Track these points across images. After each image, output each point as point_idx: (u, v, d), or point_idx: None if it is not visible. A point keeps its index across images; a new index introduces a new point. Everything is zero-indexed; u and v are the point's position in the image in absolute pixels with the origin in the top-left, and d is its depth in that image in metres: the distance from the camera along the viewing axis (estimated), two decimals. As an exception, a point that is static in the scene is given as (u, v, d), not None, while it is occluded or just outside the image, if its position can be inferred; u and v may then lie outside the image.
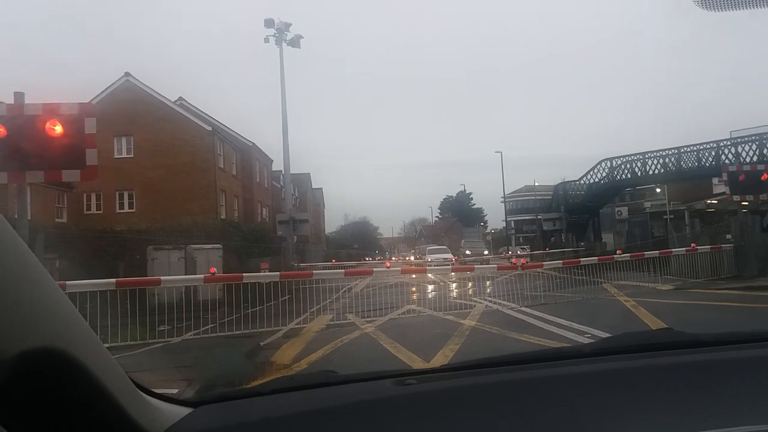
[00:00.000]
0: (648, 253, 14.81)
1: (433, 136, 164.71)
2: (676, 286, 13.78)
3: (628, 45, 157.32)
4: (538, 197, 49.13)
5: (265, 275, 11.70)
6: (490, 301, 12.51)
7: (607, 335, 2.29)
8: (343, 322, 10.39)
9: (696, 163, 26.89)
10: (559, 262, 14.95)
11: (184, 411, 1.25)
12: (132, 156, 26.92)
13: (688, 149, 27.21)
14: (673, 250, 16.10)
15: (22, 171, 7.08)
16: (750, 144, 25.08)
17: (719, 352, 1.51)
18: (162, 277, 10.77)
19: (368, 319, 10.49)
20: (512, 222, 57.30)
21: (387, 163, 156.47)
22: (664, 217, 33.02)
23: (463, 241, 52.42)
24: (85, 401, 0.87)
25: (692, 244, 15.75)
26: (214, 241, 16.26)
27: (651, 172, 28.92)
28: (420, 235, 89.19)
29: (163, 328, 9.43)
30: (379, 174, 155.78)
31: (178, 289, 11.01)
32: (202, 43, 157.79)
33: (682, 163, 27.58)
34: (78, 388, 0.85)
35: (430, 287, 16.80)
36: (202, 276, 10.63)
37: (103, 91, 26.99)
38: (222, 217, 26.62)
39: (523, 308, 11.07)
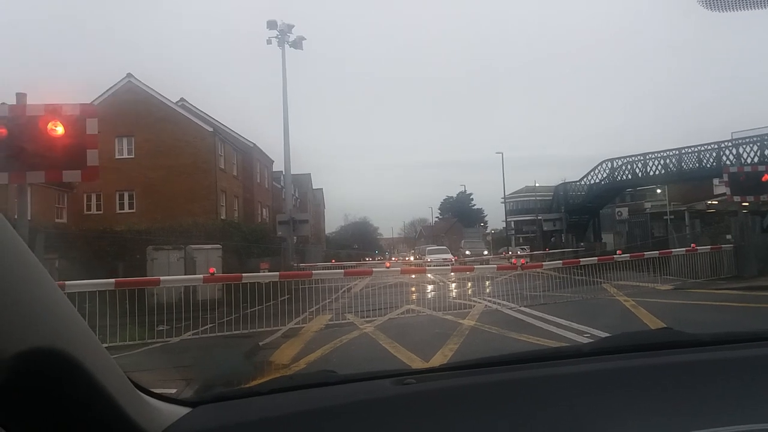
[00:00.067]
0: (648, 254, 14.81)
1: (433, 136, 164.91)
2: (675, 286, 13.78)
3: (628, 45, 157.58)
4: (538, 198, 49.14)
5: (265, 275, 11.70)
6: (489, 301, 12.51)
7: (607, 335, 2.29)
8: (343, 321, 10.39)
9: (697, 164, 26.88)
10: (558, 263, 14.95)
11: (183, 411, 1.25)
12: (133, 157, 26.93)
13: (689, 150, 27.20)
14: (673, 250, 16.10)
15: (23, 171, 7.09)
16: (751, 145, 25.06)
17: (718, 351, 1.51)
18: (161, 277, 10.77)
19: (367, 318, 10.49)
20: (512, 222, 57.35)
21: (387, 163, 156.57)
22: (665, 217, 33.01)
23: (463, 241, 52.40)
24: (84, 401, 0.87)
25: (692, 245, 15.76)
26: (214, 241, 16.26)
27: (652, 173, 28.90)
28: (420, 236, 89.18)
29: (162, 328, 9.42)
30: (379, 174, 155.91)
31: (178, 289, 11.01)
32: (203, 44, 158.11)
33: (682, 163, 27.56)
34: (77, 388, 0.85)
35: (430, 287, 16.80)
36: (201, 276, 10.63)
37: (104, 92, 27.02)
38: (222, 217, 26.62)
39: (523, 308, 11.07)
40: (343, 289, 14.25)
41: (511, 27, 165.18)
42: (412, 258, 50.58)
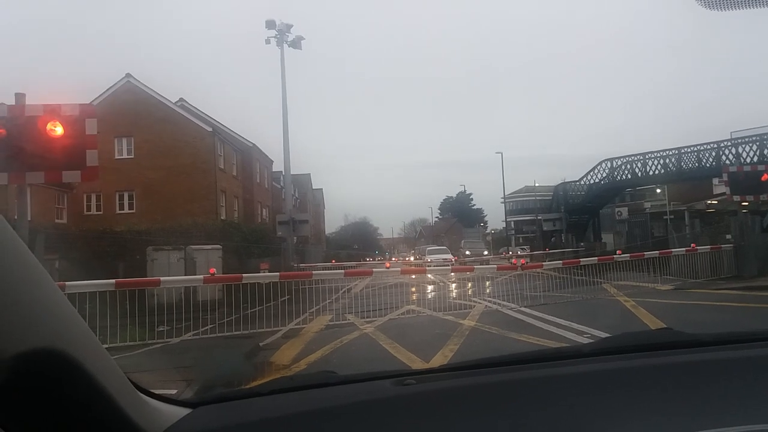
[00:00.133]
0: (648, 254, 14.81)
1: (433, 136, 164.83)
2: (675, 286, 13.79)
3: (628, 45, 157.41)
4: (538, 198, 49.13)
5: (265, 276, 11.70)
6: (489, 302, 12.51)
7: (607, 335, 2.29)
8: (343, 322, 10.39)
9: (696, 164, 26.89)
10: (558, 263, 14.96)
11: (183, 411, 1.25)
12: (132, 157, 26.92)
13: (689, 150, 27.21)
14: (672, 250, 16.11)
15: (23, 172, 7.08)
16: (750, 144, 25.07)
17: (719, 352, 1.51)
18: (161, 278, 10.77)
19: (368, 319, 10.49)
20: (512, 222, 57.36)
21: (387, 163, 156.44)
22: (664, 217, 33.02)
23: (463, 241, 52.41)
24: (84, 402, 0.87)
25: (692, 245, 15.76)
26: (214, 241, 16.26)
27: (651, 173, 28.91)
28: (420, 236, 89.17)
29: (162, 329, 9.42)
30: (379, 174, 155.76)
31: (178, 289, 11.01)
32: (202, 44, 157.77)
33: (682, 163, 27.57)
34: (77, 389, 0.85)
35: (430, 287, 16.80)
36: (201, 276, 10.63)
37: (104, 92, 27.01)
38: (222, 217, 26.62)
39: (523, 308, 11.07)
40: (344, 290, 14.25)
41: (511, 27, 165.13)
42: (412, 258, 50.60)
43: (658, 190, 37.46)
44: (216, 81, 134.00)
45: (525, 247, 47.11)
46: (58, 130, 7.00)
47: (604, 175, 30.98)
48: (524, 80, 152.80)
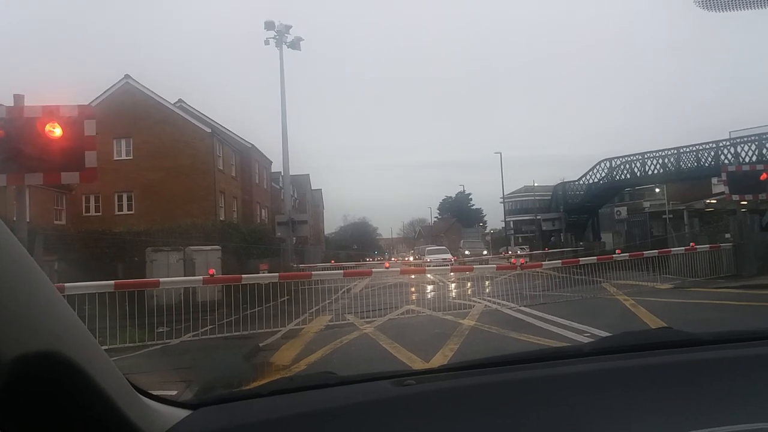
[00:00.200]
0: (647, 253, 14.83)
1: (432, 136, 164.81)
2: (675, 285, 13.80)
3: (628, 45, 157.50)
4: (537, 197, 49.15)
5: (264, 276, 11.70)
6: (489, 301, 12.51)
7: (607, 334, 2.29)
8: (343, 322, 10.39)
9: (695, 163, 26.92)
10: (558, 262, 14.96)
11: (183, 413, 1.25)
12: (131, 158, 26.92)
13: (688, 149, 27.24)
14: (672, 249, 16.12)
15: (21, 173, 7.08)
16: (749, 144, 25.10)
17: (718, 351, 1.51)
18: (161, 279, 10.75)
19: (367, 319, 10.49)
20: (511, 222, 57.32)
21: (386, 163, 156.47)
22: (663, 216, 33.04)
23: (462, 241, 52.44)
24: (83, 404, 0.87)
25: (691, 244, 15.77)
26: (213, 242, 16.25)
27: (650, 172, 28.94)
28: (419, 236, 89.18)
29: (161, 330, 9.41)
30: (378, 174, 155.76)
31: (177, 290, 11.00)
32: (201, 45, 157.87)
33: (681, 163, 27.60)
34: (76, 391, 0.85)
35: (429, 287, 16.80)
36: (201, 277, 10.62)
37: (102, 93, 27.00)
38: (221, 218, 26.62)
39: (523, 308, 11.07)
40: (343, 290, 14.25)
41: (511, 27, 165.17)
42: (411, 258, 50.61)
43: (657, 190, 37.49)
44: (215, 81, 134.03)
45: (524, 246, 47.11)
46: (57, 131, 6.99)
47: (603, 174, 31.01)
48: (524, 80, 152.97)
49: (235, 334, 9.45)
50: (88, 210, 26.63)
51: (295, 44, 23.72)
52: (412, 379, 1.40)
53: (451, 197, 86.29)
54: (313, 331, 9.53)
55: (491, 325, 9.17)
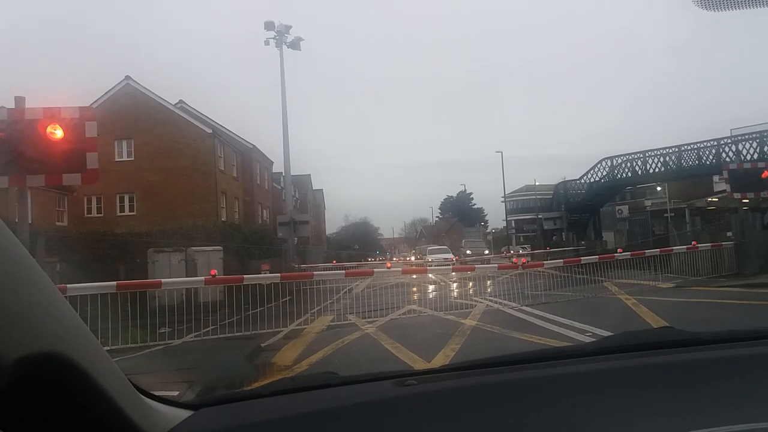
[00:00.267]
0: (649, 252, 14.81)
1: (433, 136, 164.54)
2: (676, 284, 13.79)
3: (628, 45, 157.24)
4: (538, 197, 49.10)
5: (266, 277, 11.70)
6: (491, 301, 12.52)
7: (609, 334, 2.29)
8: (344, 322, 10.39)
9: (696, 161, 26.90)
10: (559, 261, 14.95)
11: (185, 414, 1.25)
12: (132, 159, 26.93)
13: (689, 147, 27.22)
14: (673, 248, 16.10)
15: (23, 175, 7.09)
16: (750, 142, 25.09)
17: (720, 350, 1.51)
18: (163, 280, 10.77)
19: (369, 319, 10.49)
20: (513, 221, 57.29)
21: (387, 163, 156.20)
22: (665, 215, 33.01)
23: (463, 241, 52.45)
24: (85, 404, 0.87)
25: (693, 242, 15.75)
26: (214, 243, 16.27)
27: (651, 171, 28.93)
28: (421, 236, 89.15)
29: (163, 331, 9.42)
30: (379, 174, 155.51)
31: (179, 291, 11.02)
32: (201, 46, 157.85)
33: (682, 161, 27.59)
34: (78, 392, 0.85)
35: (431, 287, 16.80)
36: (202, 278, 10.63)
37: (103, 95, 27.02)
38: (222, 219, 26.63)
39: (524, 307, 11.07)
40: (345, 290, 14.26)
41: (511, 27, 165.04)
42: (413, 258, 50.60)
43: (659, 188, 37.46)
44: (215, 82, 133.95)
45: (526, 246, 47.08)
46: (58, 133, 7.00)
47: (605, 173, 31.01)
48: (524, 80, 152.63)
49: (237, 334, 9.45)
50: (89, 211, 26.66)
51: (295, 44, 23.74)
52: (414, 379, 1.40)
53: (452, 197, 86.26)
54: (315, 332, 9.54)
55: (493, 324, 9.17)
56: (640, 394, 1.26)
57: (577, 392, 1.29)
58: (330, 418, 1.22)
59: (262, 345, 8.61)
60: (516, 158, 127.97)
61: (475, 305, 11.86)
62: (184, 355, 8.11)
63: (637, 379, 1.33)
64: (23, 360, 0.75)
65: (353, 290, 14.48)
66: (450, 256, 35.03)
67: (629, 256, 14.32)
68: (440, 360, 6.48)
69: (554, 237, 36.95)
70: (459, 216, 79.47)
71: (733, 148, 25.59)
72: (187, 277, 13.02)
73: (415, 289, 15.76)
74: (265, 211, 37.04)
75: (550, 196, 40.47)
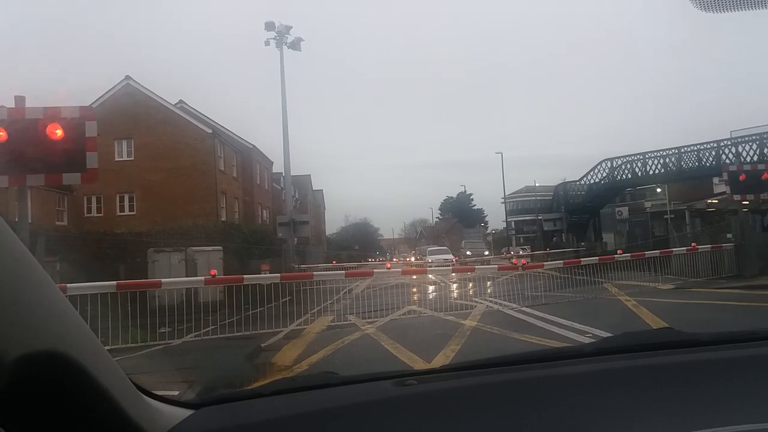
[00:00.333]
0: (649, 253, 14.82)
1: (433, 136, 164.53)
2: (676, 285, 13.79)
3: (628, 45, 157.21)
4: (538, 198, 49.15)
5: (266, 277, 11.70)
6: (490, 302, 12.51)
7: (608, 335, 2.29)
8: (344, 323, 10.39)
9: (696, 163, 26.90)
10: (559, 262, 14.95)
11: (185, 413, 1.25)
12: (132, 159, 26.94)
13: (689, 149, 27.22)
14: (673, 249, 16.11)
15: (23, 174, 7.10)
16: (750, 144, 25.09)
17: (719, 351, 1.52)
18: (163, 280, 10.77)
19: (369, 320, 10.49)
20: (513, 222, 57.36)
21: (387, 163, 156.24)
22: (665, 216, 33.02)
23: (463, 241, 52.45)
24: (86, 404, 0.87)
25: (693, 244, 15.75)
26: (214, 243, 16.27)
27: (651, 172, 28.92)
28: (420, 236, 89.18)
29: (163, 330, 9.43)
30: (379, 175, 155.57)
31: (179, 291, 11.02)
32: (201, 46, 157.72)
33: (682, 162, 27.58)
34: (79, 391, 0.85)
35: (431, 288, 16.80)
36: (202, 278, 10.63)
37: (103, 95, 27.04)
38: (222, 219, 26.63)
39: (524, 308, 11.07)
40: (345, 291, 14.26)
41: (511, 26, 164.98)
42: (413, 259, 50.60)
43: (659, 190, 37.46)
44: (216, 82, 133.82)
45: (526, 247, 47.12)
46: (59, 132, 7.01)
47: (605, 174, 31.00)
48: (524, 80, 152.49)
49: (237, 334, 9.46)
50: (89, 211, 26.67)
51: (295, 45, 23.76)
52: (414, 379, 1.40)
53: (452, 197, 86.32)
54: (315, 332, 9.54)
55: (493, 325, 9.17)
56: (640, 394, 1.27)
57: (577, 392, 1.29)
58: (330, 418, 1.22)
59: (262, 345, 8.61)
60: (516, 159, 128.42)
61: (475, 306, 11.86)
62: (184, 355, 8.12)
63: (637, 380, 1.33)
64: (24, 359, 0.75)
65: (353, 291, 14.48)
66: (450, 256, 35.02)
67: (629, 258, 14.32)
68: (440, 360, 6.48)
69: (554, 238, 36.94)
70: (459, 217, 79.50)
71: (733, 150, 25.59)
72: (187, 277, 13.02)
73: (415, 289, 15.76)
74: (265, 211, 37.05)
75: (550, 197, 40.47)
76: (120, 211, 26.62)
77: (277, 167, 36.76)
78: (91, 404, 0.88)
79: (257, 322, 9.73)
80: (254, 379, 6.39)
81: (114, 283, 9.25)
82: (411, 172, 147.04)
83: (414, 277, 18.29)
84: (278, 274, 12.12)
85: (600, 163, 31.18)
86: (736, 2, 2.09)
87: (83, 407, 0.87)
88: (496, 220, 79.16)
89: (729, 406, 1.21)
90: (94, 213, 26.63)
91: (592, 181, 31.97)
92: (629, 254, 14.59)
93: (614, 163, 30.44)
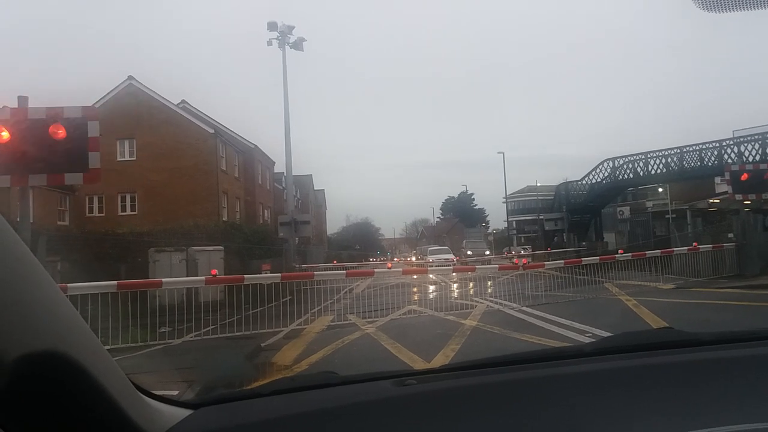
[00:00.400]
0: (650, 253, 14.80)
1: (433, 136, 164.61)
2: (677, 285, 13.77)
3: (628, 45, 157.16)
4: (539, 197, 49.10)
5: (267, 276, 11.71)
6: (491, 301, 12.51)
7: (609, 334, 2.29)
8: (344, 322, 10.39)
9: (698, 163, 26.85)
10: (560, 262, 14.94)
11: (185, 413, 1.25)
12: (135, 159, 26.97)
13: (691, 149, 27.18)
14: (674, 249, 16.09)
15: (25, 174, 7.10)
16: (753, 143, 25.04)
17: (720, 351, 1.52)
18: (163, 279, 10.78)
19: (369, 319, 10.49)
20: (514, 222, 57.30)
21: (388, 163, 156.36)
22: (666, 216, 32.98)
23: (464, 241, 52.40)
24: (86, 403, 0.88)
25: (694, 243, 15.74)
26: (215, 243, 16.28)
27: (653, 172, 28.88)
28: (422, 236, 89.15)
29: (164, 330, 9.43)
30: (380, 175, 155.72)
31: (180, 290, 11.03)
32: (204, 46, 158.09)
33: (684, 162, 27.54)
34: (78, 391, 0.86)
35: (432, 288, 16.80)
36: (203, 278, 10.64)
37: (106, 95, 27.07)
38: (224, 219, 26.65)
39: (525, 308, 11.06)
40: (345, 290, 14.26)
41: (512, 26, 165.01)
42: (413, 258, 50.59)
43: (660, 189, 37.42)
44: (218, 82, 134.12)
45: (527, 246, 47.07)
46: (61, 132, 7.01)
47: (606, 174, 30.98)
48: (525, 80, 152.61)
49: (237, 334, 9.46)
50: (91, 211, 26.70)
51: (297, 45, 23.75)
52: (414, 379, 1.40)
53: (453, 197, 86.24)
54: (315, 332, 9.54)
55: (493, 325, 9.17)
56: (640, 394, 1.27)
57: (576, 392, 1.29)
58: (329, 418, 1.22)
59: (262, 345, 8.61)
60: (517, 158, 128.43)
61: (476, 306, 11.85)
62: (184, 355, 8.12)
63: (637, 380, 1.33)
64: (24, 359, 0.75)
65: (354, 290, 14.48)
66: (451, 256, 35.01)
67: (630, 257, 14.31)
68: (440, 360, 6.48)
69: (555, 238, 36.92)
70: (460, 216, 79.44)
71: (735, 149, 25.55)
72: (187, 276, 13.03)
73: (415, 289, 15.76)
74: (266, 211, 37.06)
75: (552, 197, 40.44)
76: (122, 211, 26.64)
77: (279, 167, 36.80)
78: (90, 404, 0.88)
79: (257, 321, 9.74)
80: (254, 378, 6.39)
81: (115, 282, 9.25)
82: (411, 172, 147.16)
83: (415, 276, 18.29)
84: (279, 274, 12.12)
85: (602, 163, 31.17)
86: (738, 2, 2.09)
87: (83, 407, 0.88)
88: (498, 219, 79.21)
89: (729, 406, 1.21)
90: (95, 213, 26.65)
91: (593, 181, 31.94)
92: (630, 254, 14.57)
93: (616, 163, 30.42)
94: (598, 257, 14.87)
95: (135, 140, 27.03)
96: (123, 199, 26.96)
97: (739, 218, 16.43)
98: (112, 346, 7.82)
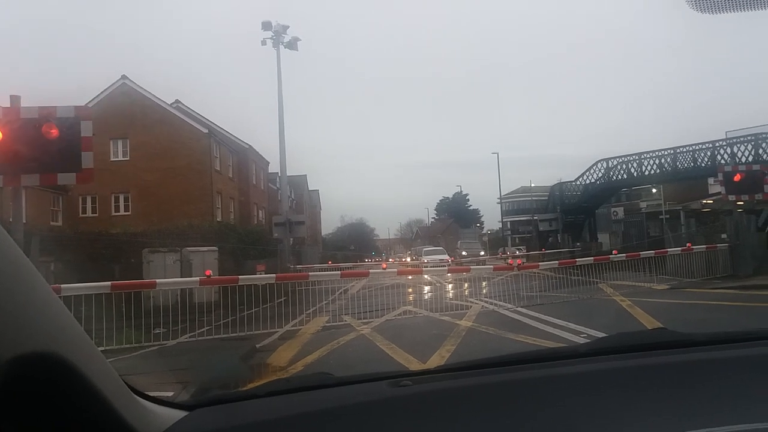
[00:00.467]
0: (644, 253, 14.86)
1: (431, 136, 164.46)
2: (671, 285, 13.83)
3: (627, 45, 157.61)
4: (534, 198, 49.25)
5: (261, 277, 11.68)
6: (486, 302, 12.52)
7: (603, 335, 2.30)
8: (339, 323, 10.38)
9: (692, 164, 26.98)
10: (555, 263, 14.99)
11: (179, 414, 1.25)
12: (128, 159, 26.85)
13: (684, 149, 27.31)
14: (668, 249, 16.16)
15: (18, 174, 7.06)
16: (745, 144, 25.19)
17: (713, 351, 1.52)
18: (157, 280, 10.74)
19: (364, 320, 10.49)
20: (508, 223, 57.42)
21: (384, 163, 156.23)
22: (660, 217, 33.14)
23: (459, 242, 52.49)
24: (80, 405, 0.87)
25: (688, 244, 15.82)
26: (210, 243, 16.23)
27: (647, 173, 29.00)
28: (416, 237, 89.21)
29: (158, 331, 9.40)
30: (375, 175, 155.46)
31: (174, 291, 10.98)
32: (198, 45, 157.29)
33: (677, 163, 27.67)
34: (72, 393, 0.85)
35: (427, 288, 16.81)
36: (197, 278, 10.60)
37: (99, 94, 26.94)
38: (218, 219, 26.57)
39: (519, 309, 11.08)
40: (340, 291, 14.25)
41: (511, 27, 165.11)
42: (408, 259, 50.62)
43: (654, 190, 37.60)
44: (212, 82, 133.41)
45: (521, 247, 47.18)
46: (54, 132, 6.98)
47: (600, 175, 31.07)
48: (524, 80, 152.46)
49: (232, 335, 9.44)
50: (84, 211, 26.57)
51: (292, 44, 23.73)
52: (409, 379, 1.40)
53: (448, 198, 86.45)
54: (310, 332, 9.53)
55: (488, 325, 9.18)
56: (635, 394, 1.27)
57: (572, 393, 1.29)
58: (325, 419, 1.22)
59: (257, 346, 8.60)
60: (515, 159, 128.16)
61: (471, 306, 11.86)
62: (179, 356, 8.09)
63: (632, 380, 1.33)
64: (17, 360, 0.74)
65: (349, 291, 14.47)
66: (445, 257, 35.07)
67: (624, 258, 14.36)
68: (435, 361, 6.48)
69: (550, 238, 36.98)
70: (455, 217, 79.60)
71: (728, 150, 25.69)
72: (182, 277, 12.99)
73: (410, 290, 15.77)
74: (260, 211, 36.99)
75: (546, 198, 40.54)
76: (115, 211, 26.51)
77: (273, 167, 36.74)
78: (84, 405, 0.88)
79: (252, 322, 9.71)
80: (249, 380, 6.38)
81: (108, 283, 9.21)
82: (409, 172, 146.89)
83: (410, 277, 18.30)
84: (273, 275, 12.09)
85: (595, 164, 31.26)
86: (732, 3, 2.10)
87: (77, 408, 0.87)
88: (492, 220, 79.47)
89: (723, 407, 1.21)
90: (89, 213, 26.52)
91: (587, 182, 32.04)
92: (624, 254, 14.62)
93: (610, 164, 30.52)
94: (592, 258, 14.92)
95: (128, 140, 26.92)
96: (116, 200, 26.84)
97: (732, 219, 16.53)
98: (107, 348, 7.79)
